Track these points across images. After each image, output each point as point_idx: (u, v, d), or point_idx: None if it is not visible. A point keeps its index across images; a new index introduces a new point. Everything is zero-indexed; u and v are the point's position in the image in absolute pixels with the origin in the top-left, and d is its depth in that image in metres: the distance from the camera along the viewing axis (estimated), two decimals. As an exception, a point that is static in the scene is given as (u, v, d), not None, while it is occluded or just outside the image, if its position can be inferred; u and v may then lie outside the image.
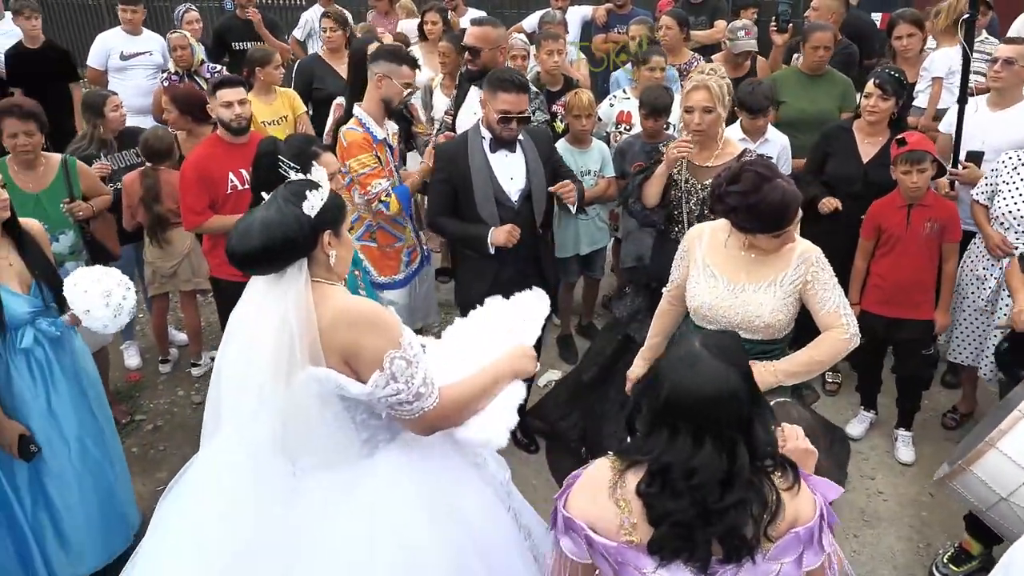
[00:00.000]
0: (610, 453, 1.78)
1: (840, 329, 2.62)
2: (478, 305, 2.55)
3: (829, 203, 4.06)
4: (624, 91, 4.94)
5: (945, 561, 3.34)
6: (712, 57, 5.25)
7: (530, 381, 4.02)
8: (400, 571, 2.03)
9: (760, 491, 1.64)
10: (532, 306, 2.48)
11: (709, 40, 6.13)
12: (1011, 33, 5.28)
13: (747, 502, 1.61)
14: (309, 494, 2.08)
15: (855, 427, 4.24)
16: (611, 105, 4.89)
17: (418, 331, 4.25)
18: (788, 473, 1.72)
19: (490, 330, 2.39)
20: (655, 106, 4.28)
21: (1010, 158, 3.78)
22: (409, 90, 3.94)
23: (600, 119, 4.84)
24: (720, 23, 6.17)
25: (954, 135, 4.12)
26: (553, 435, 4.07)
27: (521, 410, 3.99)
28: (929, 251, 3.79)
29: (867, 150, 4.08)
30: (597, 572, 1.76)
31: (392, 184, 3.80)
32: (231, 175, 3.88)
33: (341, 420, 2.03)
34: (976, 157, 4.07)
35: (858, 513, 3.73)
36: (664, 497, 1.62)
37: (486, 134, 3.54)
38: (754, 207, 2.50)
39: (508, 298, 3.44)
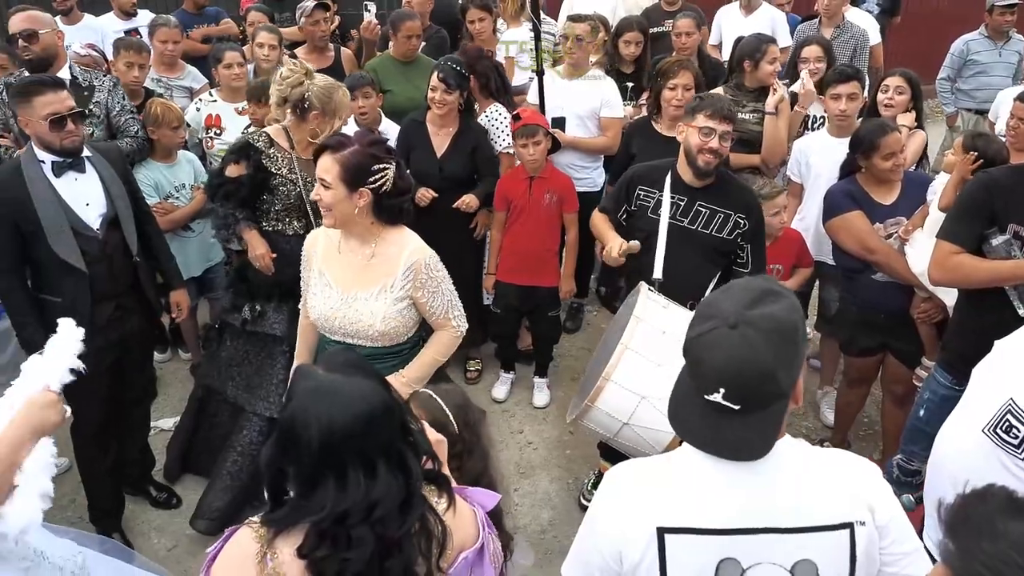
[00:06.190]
0: (251, 520, 1.53)
1: (450, 329, 2.72)
2: None
3: (425, 194, 4.08)
4: (210, 94, 4.62)
5: (590, 488, 3.69)
6: (298, 50, 5.12)
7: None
8: None
9: (426, 516, 1.55)
10: (53, 342, 2.06)
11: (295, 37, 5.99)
12: (564, 13, 5.94)
13: (426, 519, 1.53)
14: None
15: (499, 390, 4.50)
16: (197, 110, 4.54)
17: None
18: (443, 490, 1.64)
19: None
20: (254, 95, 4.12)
21: None
22: None
23: (189, 125, 4.50)
24: None
25: (539, 104, 4.48)
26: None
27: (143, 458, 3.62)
28: (550, 221, 4.12)
29: (439, 143, 4.20)
30: None
31: None
32: None
33: None
34: (560, 122, 4.50)
35: (514, 468, 3.96)
36: (340, 550, 1.44)
37: (44, 156, 3.02)
38: None
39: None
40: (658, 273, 3.05)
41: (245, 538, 1.50)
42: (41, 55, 3.84)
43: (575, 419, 2.89)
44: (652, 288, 2.91)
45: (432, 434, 1.87)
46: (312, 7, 4.95)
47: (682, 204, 3.15)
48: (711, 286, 3.15)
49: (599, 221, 3.40)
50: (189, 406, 3.75)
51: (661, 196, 3.16)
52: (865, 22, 5.85)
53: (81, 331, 2.05)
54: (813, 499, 1.46)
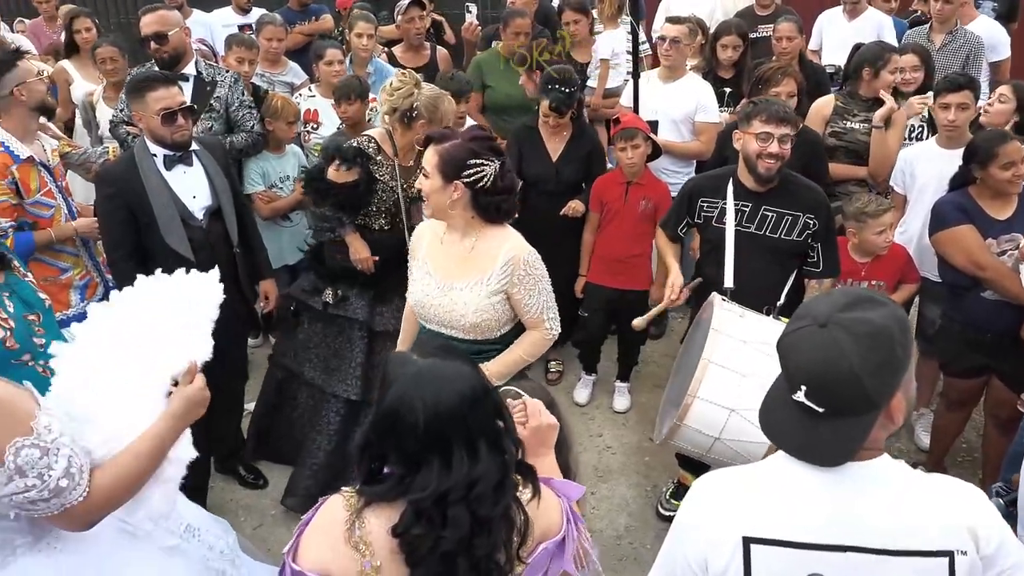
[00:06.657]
0: (344, 489, 1.58)
1: (542, 330, 2.70)
2: None
3: (576, 207, 4.13)
4: (310, 89, 4.77)
5: (668, 497, 3.64)
6: (395, 48, 5.23)
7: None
8: None
9: (510, 504, 1.56)
10: (200, 297, 2.12)
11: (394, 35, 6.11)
12: (661, 14, 5.88)
13: (510, 507, 1.54)
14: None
15: (580, 393, 4.48)
16: (297, 104, 4.68)
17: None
18: (528, 481, 1.64)
19: (154, 324, 1.99)
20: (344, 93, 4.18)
21: None
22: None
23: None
24: None
25: (633, 107, 4.48)
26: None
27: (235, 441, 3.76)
28: (644, 227, 4.09)
29: (554, 148, 4.21)
30: None
31: (54, 211, 3.30)
32: None
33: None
34: (652, 126, 4.44)
35: (592, 471, 3.93)
36: (435, 530, 1.47)
37: (157, 151, 3.18)
38: None
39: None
40: (729, 282, 2.98)
41: (336, 505, 1.57)
42: (172, 54, 4.01)
43: (665, 440, 2.85)
44: (725, 298, 2.85)
45: (547, 417, 1.90)
46: (407, 5, 5.04)
47: (747, 210, 3.09)
48: (785, 290, 3.09)
49: (662, 243, 3.43)
50: (265, 386, 3.83)
51: (724, 204, 3.10)
52: (993, 32, 5.46)
53: (220, 290, 2.09)
54: (911, 522, 1.42)
